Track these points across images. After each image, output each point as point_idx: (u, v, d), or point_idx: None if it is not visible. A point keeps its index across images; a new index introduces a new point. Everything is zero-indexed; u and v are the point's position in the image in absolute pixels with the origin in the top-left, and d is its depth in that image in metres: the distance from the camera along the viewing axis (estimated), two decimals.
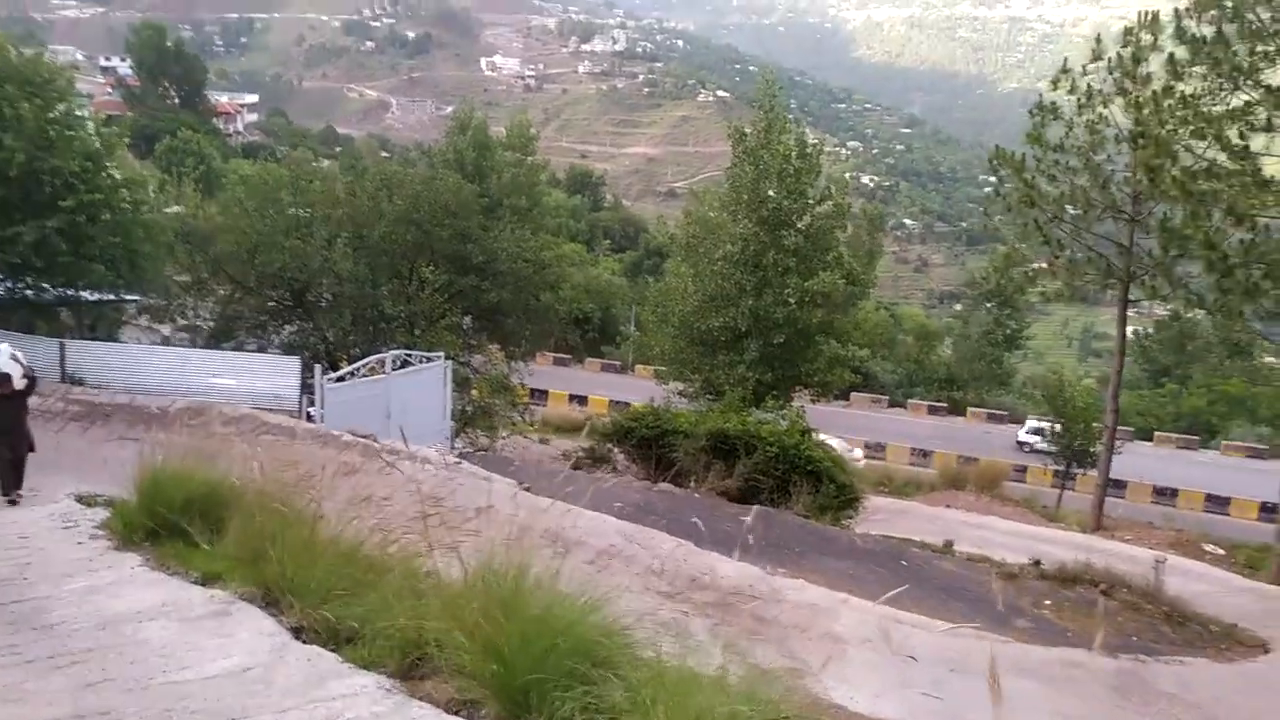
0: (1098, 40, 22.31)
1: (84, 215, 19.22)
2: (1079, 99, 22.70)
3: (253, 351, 23.53)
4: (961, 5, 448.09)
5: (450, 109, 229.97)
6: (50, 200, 19.05)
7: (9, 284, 20.67)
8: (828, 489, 19.49)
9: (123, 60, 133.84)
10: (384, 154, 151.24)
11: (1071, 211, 22.98)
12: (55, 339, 20.53)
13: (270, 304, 26.23)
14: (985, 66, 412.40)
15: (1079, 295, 24.35)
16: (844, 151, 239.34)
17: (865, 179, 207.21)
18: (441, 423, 23.49)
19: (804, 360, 32.92)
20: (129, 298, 24.00)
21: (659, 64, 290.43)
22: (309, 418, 20.68)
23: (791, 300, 30.78)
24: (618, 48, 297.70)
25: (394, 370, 22.24)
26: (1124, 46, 21.74)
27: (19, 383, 12.64)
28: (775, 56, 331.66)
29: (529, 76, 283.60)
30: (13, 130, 18.60)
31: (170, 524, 9.87)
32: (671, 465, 20.27)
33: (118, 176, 20.49)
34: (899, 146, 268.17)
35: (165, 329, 26.35)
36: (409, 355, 23.00)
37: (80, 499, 13.73)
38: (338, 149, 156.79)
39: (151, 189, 25.18)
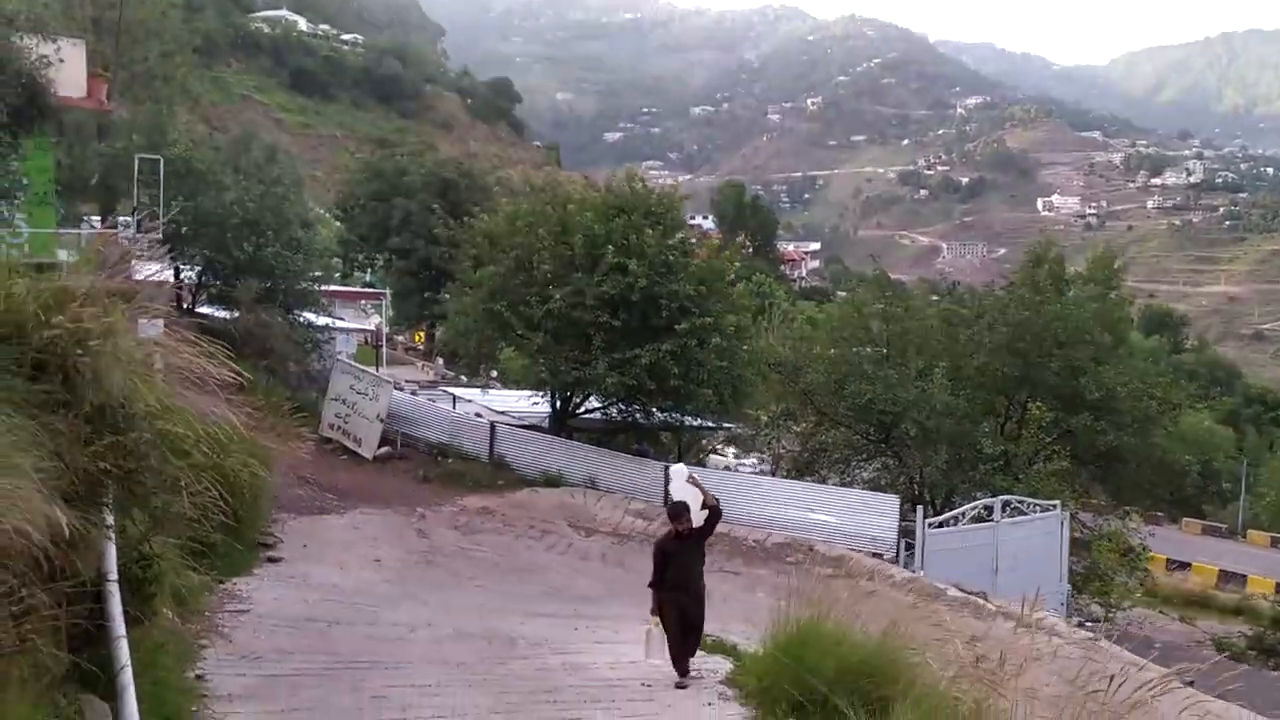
0: None
1: (695, 339, 19.16)
2: None
3: (837, 486, 22.06)
4: None
5: (1003, 251, 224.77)
6: (666, 324, 19.28)
7: (622, 405, 21.31)
8: None
9: (705, 217, 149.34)
10: (933, 297, 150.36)
11: None
12: (659, 461, 20.68)
13: (855, 438, 24.88)
14: None
15: None
16: None
17: None
18: (1057, 585, 19.99)
19: None
20: (725, 425, 23.91)
21: (1243, 195, 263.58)
22: (907, 564, 18.54)
23: None
24: (1193, 180, 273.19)
25: (1002, 518, 19.38)
26: None
27: (698, 517, 9.48)
28: None
29: (1089, 215, 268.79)
30: (637, 256, 19.18)
31: (817, 698, 7.98)
32: None
33: (738, 292, 20.51)
34: None
35: (749, 460, 26.11)
36: (1020, 502, 19.99)
37: None
38: (887, 294, 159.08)
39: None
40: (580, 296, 19.36)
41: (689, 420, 21.76)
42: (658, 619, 9.47)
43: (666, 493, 9.66)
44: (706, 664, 10.28)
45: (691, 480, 9.57)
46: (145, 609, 8.15)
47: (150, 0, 30.19)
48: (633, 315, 19.41)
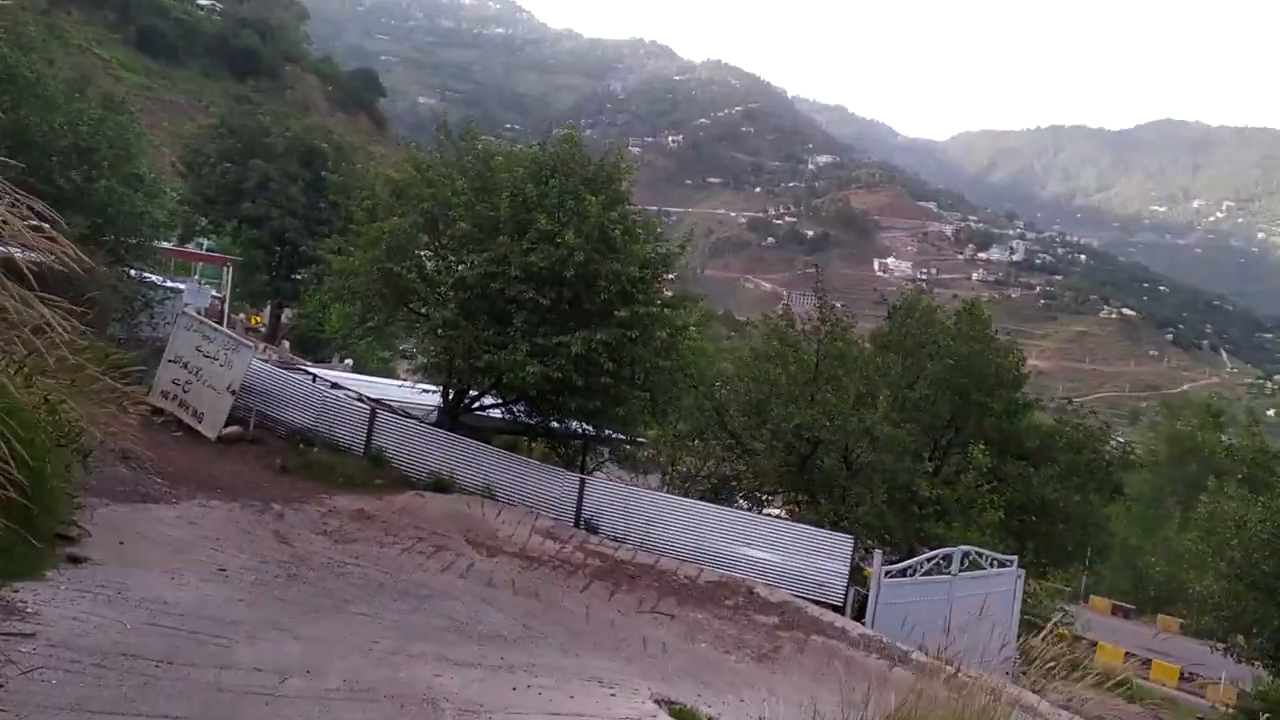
0: None
1: (635, 331, 15.96)
2: None
3: (791, 520, 19.20)
4: None
5: (840, 305, 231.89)
6: (602, 309, 16.05)
7: (528, 404, 17.84)
8: None
9: None
10: (775, 343, 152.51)
11: None
12: (576, 474, 17.34)
13: (773, 466, 22.07)
14: None
15: None
16: (1269, 385, 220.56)
17: None
18: (1008, 649, 17.72)
19: None
20: (640, 439, 20.73)
21: (1058, 277, 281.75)
22: (858, 615, 15.89)
23: None
24: (1015, 258, 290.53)
25: (960, 571, 16.98)
26: None
27: None
28: (1189, 279, 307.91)
29: (920, 279, 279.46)
30: (575, 226, 15.92)
31: None
32: None
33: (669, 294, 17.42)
34: None
35: (652, 479, 23.05)
36: (978, 555, 17.65)
37: (666, 705, 9.47)
38: (731, 334, 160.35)
39: None
40: (502, 265, 15.88)
41: (608, 429, 18.46)
42: None
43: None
44: None
45: None
46: None
47: None
48: (563, 295, 16.06)
